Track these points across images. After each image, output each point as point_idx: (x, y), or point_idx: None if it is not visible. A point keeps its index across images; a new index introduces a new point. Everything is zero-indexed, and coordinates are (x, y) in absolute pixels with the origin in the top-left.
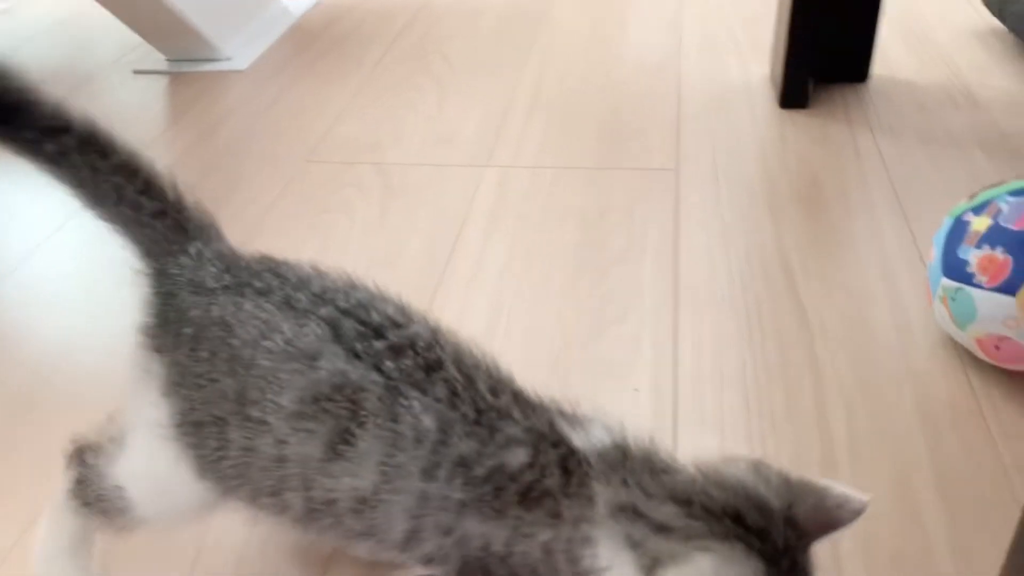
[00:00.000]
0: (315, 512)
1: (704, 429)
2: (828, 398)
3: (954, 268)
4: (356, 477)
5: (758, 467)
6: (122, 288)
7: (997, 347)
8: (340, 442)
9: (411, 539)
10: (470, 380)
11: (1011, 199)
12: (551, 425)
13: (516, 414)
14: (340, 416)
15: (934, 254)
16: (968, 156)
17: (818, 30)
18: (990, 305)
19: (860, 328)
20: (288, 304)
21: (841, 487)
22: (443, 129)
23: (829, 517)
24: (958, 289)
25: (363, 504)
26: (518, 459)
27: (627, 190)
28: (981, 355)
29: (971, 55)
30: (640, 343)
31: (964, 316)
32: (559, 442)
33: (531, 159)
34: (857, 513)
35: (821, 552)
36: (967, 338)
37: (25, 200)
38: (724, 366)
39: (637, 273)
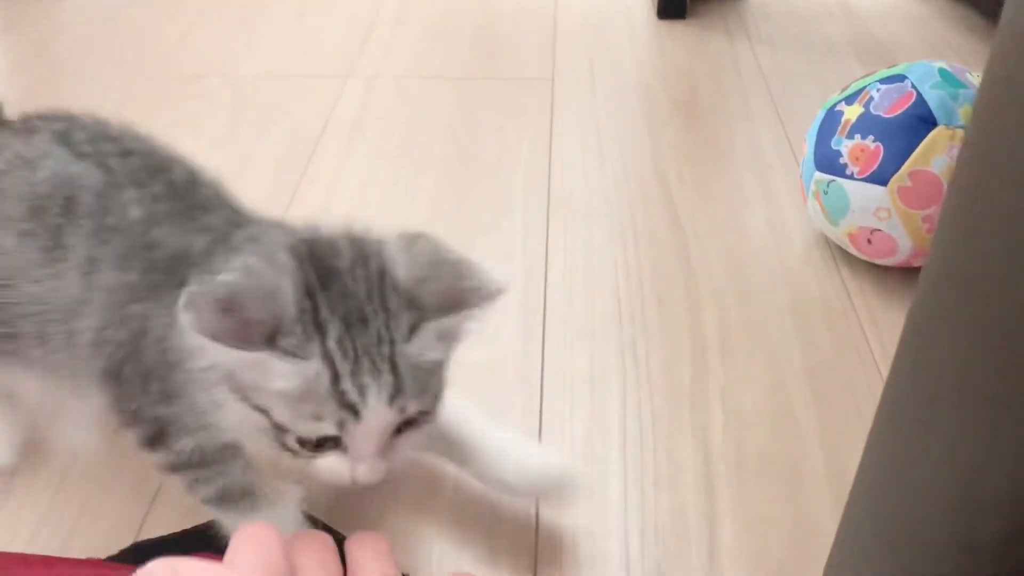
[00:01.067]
0: (46, 339)
1: (574, 336)
2: (702, 301)
3: (826, 160)
4: (62, 279)
5: (412, 240)
6: None
7: (869, 240)
8: (54, 246)
9: (97, 343)
10: (192, 184)
11: (882, 86)
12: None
13: (221, 211)
14: (55, 215)
15: (807, 149)
16: (843, 63)
17: None
18: (862, 196)
19: (734, 231)
20: (27, 129)
21: (485, 271)
22: (303, 40)
23: (461, 297)
24: (830, 182)
25: (66, 314)
26: (200, 244)
27: (500, 101)
28: (854, 251)
29: None
30: (511, 253)
31: (837, 210)
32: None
33: (398, 69)
34: (488, 299)
35: (692, 451)
36: (840, 233)
37: None
38: (596, 273)
39: (509, 184)
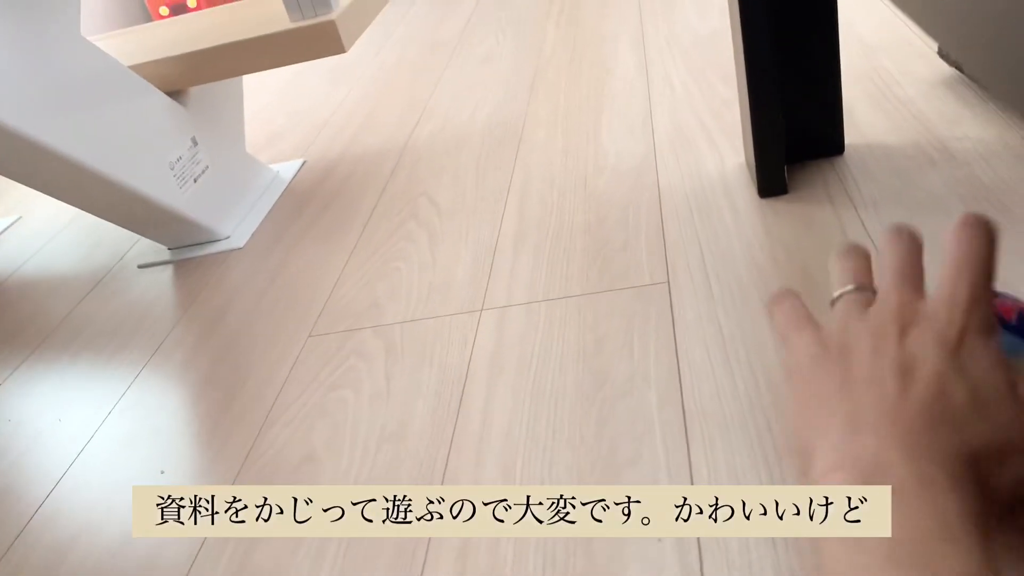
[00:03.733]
0: None
1: (732, 572)
2: None
3: None
4: None
5: None
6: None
7: None
8: None
9: None
10: None
11: None
12: None
13: None
14: None
15: None
16: (952, 215)
17: (781, 117)
18: None
19: None
20: None
21: None
22: (437, 278)
23: None
24: None
25: None
26: None
27: (621, 313)
28: None
29: (940, 106)
30: (657, 485)
31: None
32: None
33: (523, 295)
34: None
35: None
36: None
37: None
38: None
39: (643, 405)
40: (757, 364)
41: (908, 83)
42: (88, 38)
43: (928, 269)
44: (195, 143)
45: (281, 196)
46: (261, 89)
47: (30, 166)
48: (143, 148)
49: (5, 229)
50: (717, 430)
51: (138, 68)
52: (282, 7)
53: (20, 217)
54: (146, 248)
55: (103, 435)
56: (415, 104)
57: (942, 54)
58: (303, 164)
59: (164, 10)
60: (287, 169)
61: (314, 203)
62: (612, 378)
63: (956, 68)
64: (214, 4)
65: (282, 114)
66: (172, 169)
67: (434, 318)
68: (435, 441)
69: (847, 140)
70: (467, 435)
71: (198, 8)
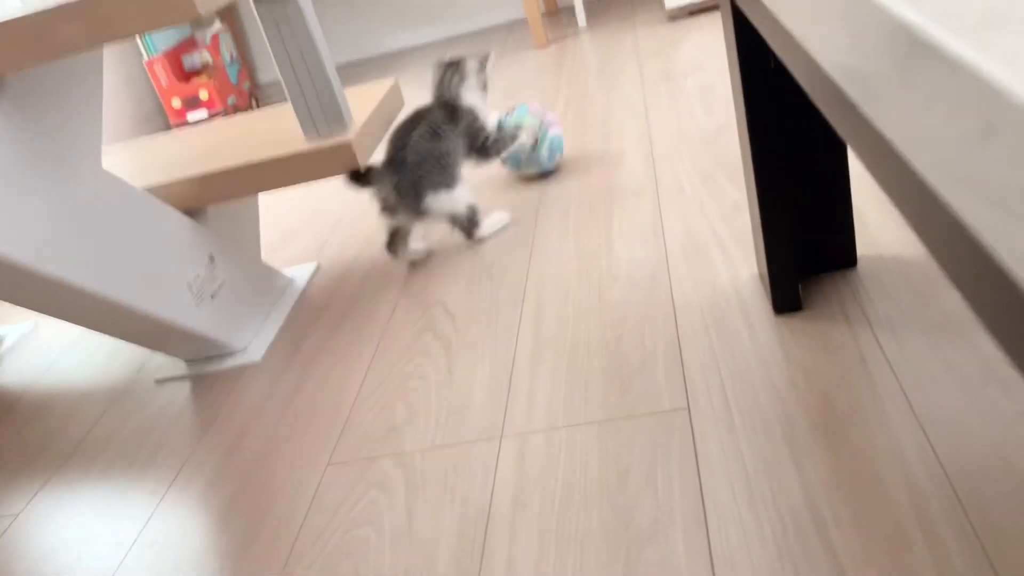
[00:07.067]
0: None
1: None
2: None
3: None
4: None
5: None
6: None
7: None
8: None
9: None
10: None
11: None
12: None
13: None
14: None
15: None
16: (971, 341)
17: (792, 231)
18: None
19: None
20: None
21: None
22: (455, 399)
23: None
24: None
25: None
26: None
27: (643, 443)
28: None
29: None
30: None
31: None
32: None
33: (543, 419)
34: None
35: None
36: None
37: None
38: None
39: (671, 552)
40: (784, 506)
41: None
42: (105, 148)
43: None
44: (212, 260)
45: (296, 303)
46: None
47: (48, 299)
48: (162, 272)
49: (22, 338)
50: None
51: (157, 190)
52: (294, 121)
53: (36, 324)
54: (163, 360)
55: (125, 573)
56: None
57: None
58: (317, 268)
59: (177, 102)
60: (301, 274)
61: (329, 312)
62: (637, 519)
63: None
64: (224, 96)
65: (295, 211)
66: (190, 288)
67: (454, 445)
68: None
69: (860, 250)
70: None
71: (209, 101)
